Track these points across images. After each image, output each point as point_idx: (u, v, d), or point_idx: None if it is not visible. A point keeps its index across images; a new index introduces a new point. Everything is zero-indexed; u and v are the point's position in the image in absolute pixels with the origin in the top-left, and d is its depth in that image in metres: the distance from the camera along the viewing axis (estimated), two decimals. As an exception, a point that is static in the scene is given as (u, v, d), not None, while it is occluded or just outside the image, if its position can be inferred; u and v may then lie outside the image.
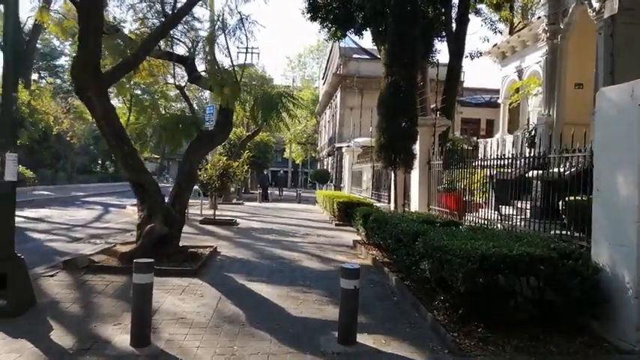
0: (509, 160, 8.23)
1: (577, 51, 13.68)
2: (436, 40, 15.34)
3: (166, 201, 8.33)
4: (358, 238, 10.48)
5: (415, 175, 11.67)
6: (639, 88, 4.39)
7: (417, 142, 10.87)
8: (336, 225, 14.45)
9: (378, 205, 15.58)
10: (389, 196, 14.45)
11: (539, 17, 15.38)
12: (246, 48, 15.31)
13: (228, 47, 10.00)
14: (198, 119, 10.45)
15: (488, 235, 5.58)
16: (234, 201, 23.86)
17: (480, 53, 18.40)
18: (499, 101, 20.13)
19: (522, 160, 7.92)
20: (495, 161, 8.49)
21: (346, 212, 13.56)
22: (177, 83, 10.10)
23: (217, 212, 15.23)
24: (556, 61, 13.93)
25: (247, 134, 25.09)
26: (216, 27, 9.83)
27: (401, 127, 10.18)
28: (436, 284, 5.15)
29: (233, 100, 9.75)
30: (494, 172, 8.81)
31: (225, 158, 14.83)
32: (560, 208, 7.39)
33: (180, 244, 8.57)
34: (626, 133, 4.50)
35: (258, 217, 16.57)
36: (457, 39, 14.67)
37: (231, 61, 9.67)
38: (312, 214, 19.21)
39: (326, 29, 15.22)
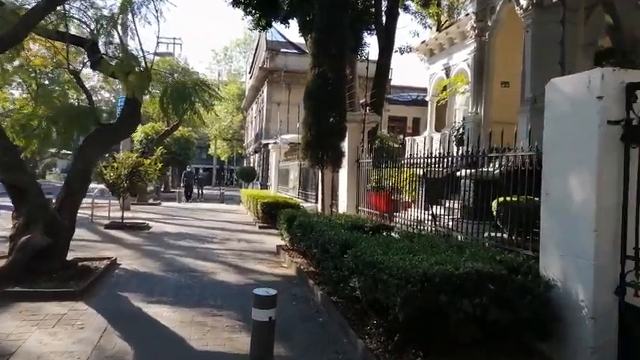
0: (442, 159, 7.67)
1: (504, 49, 13.62)
2: (365, 34, 14.76)
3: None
4: (283, 243, 9.57)
5: (344, 174, 10.95)
6: (597, 78, 3.82)
7: (346, 139, 10.13)
8: (260, 228, 13.45)
9: (306, 205, 14.76)
10: (316, 195, 13.66)
11: (467, 14, 15.25)
12: (158, 31, 13.84)
13: (135, 27, 8.73)
14: (96, 110, 9.02)
15: (426, 244, 4.87)
16: (151, 201, 22.08)
17: (410, 48, 18.12)
18: (427, 99, 20.02)
19: (457, 158, 7.35)
20: (426, 160, 7.90)
21: (271, 214, 12.62)
22: (71, 67, 8.66)
23: (129, 214, 13.72)
24: (484, 58, 13.81)
25: (166, 129, 23.35)
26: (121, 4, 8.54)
27: (329, 122, 9.38)
28: (368, 306, 4.35)
29: (140, 89, 8.50)
30: (425, 170, 8.25)
31: (135, 155, 13.33)
32: (494, 208, 6.94)
33: (73, 255, 7.24)
34: (582, 129, 3.93)
35: (175, 220, 15.17)
36: (387, 33, 14.18)
37: (140, 44, 8.43)
38: (235, 215, 18.04)
39: (249, 16, 14.14)
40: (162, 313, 5.27)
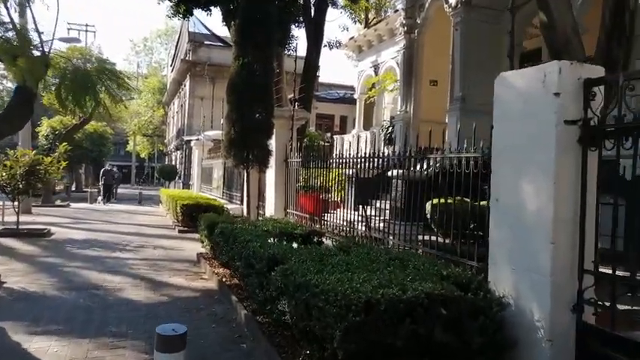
0: (376, 158, 7.20)
1: (433, 47, 13.53)
2: (293, 27, 14.09)
3: None
4: (204, 250, 8.69)
5: (271, 174, 10.24)
6: (554, 72, 3.42)
7: (274, 136, 9.43)
8: (179, 232, 12.40)
9: (230, 207, 13.88)
10: (242, 196, 12.83)
11: (396, 11, 15.06)
12: (57, 11, 12.33)
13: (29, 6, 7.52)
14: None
15: (364, 258, 4.31)
16: (59, 202, 20.04)
17: (339, 43, 17.71)
18: (355, 97, 19.77)
19: (393, 158, 6.90)
20: (359, 159, 7.40)
21: (192, 216, 11.63)
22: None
23: (28, 219, 12.13)
24: (413, 56, 13.65)
25: (75, 123, 21.33)
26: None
27: (255, 118, 8.64)
28: (301, 334, 3.70)
29: (34, 76, 7.32)
30: (356, 170, 7.77)
31: (33, 152, 11.75)
32: (427, 210, 6.58)
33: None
34: (537, 129, 3.52)
35: (83, 224, 13.66)
36: (316, 26, 13.61)
37: (36, 26, 7.26)
38: (153, 217, 16.72)
39: (168, 0, 12.98)
40: (48, 349, 4.29)
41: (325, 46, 16.79)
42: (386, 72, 16.13)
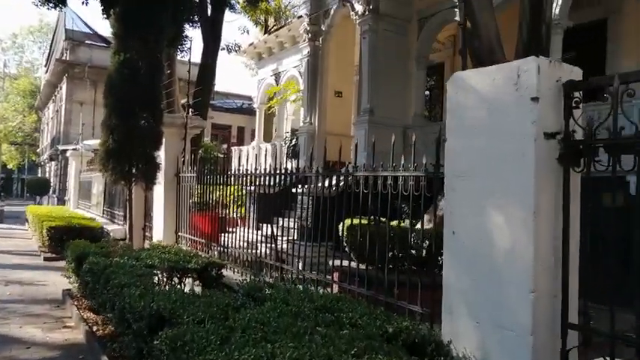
0: (284, 174, 6.21)
1: (338, 56, 12.95)
2: (187, 26, 12.68)
3: None
4: (73, 286, 7.01)
5: (160, 191, 8.78)
6: (531, 72, 2.68)
7: (163, 147, 8.04)
8: (45, 260, 10.31)
9: (112, 228, 12.05)
10: (125, 216, 11.08)
11: (299, 17, 14.31)
12: None
13: None
14: None
15: (283, 310, 3.24)
16: None
17: (239, 46, 16.55)
18: (255, 106, 18.70)
19: (306, 173, 5.95)
20: (268, 174, 6.36)
21: (62, 240, 9.69)
22: None
23: None
24: (317, 65, 12.95)
25: None
26: None
27: (140, 125, 7.21)
28: None
29: None
30: (258, 185, 6.72)
31: None
32: (341, 232, 5.74)
33: None
34: (510, 144, 2.75)
35: None
36: (213, 27, 12.36)
37: None
38: (15, 241, 14.09)
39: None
40: None
41: (223, 49, 15.55)
42: (288, 81, 15.28)
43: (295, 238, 6.53)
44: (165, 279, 5.10)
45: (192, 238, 8.01)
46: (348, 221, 5.47)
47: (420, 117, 11.06)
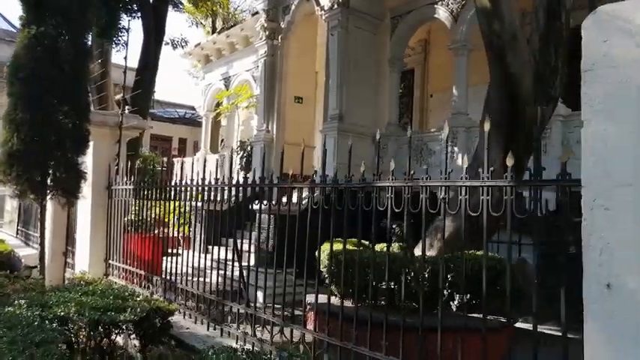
0: (248, 185, 4.75)
1: (299, 58, 11.62)
2: (125, 16, 10.89)
3: None
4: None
5: (85, 206, 6.97)
6: None
7: (90, 151, 6.29)
8: None
9: (26, 253, 9.89)
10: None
11: (255, 13, 12.91)
12: None
13: None
14: None
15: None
16: None
17: (186, 41, 14.80)
18: (201, 114, 16.94)
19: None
20: (234, 185, 4.86)
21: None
22: None
23: None
24: (275, 66, 11.56)
25: None
26: None
27: (58, 121, 5.47)
28: None
29: None
30: (208, 201, 5.20)
31: None
32: (319, 259, 4.34)
33: None
34: None
35: None
36: (156, 14, 10.69)
37: None
38: None
39: None
40: None
41: (167, 43, 13.80)
42: (240, 85, 13.75)
43: (252, 263, 5.16)
44: (85, 338, 3.43)
45: (128, 268, 6.27)
46: (326, 246, 4.13)
47: (395, 126, 9.90)
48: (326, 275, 4.36)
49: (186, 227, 7.53)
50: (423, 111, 11.66)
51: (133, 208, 6.70)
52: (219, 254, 5.12)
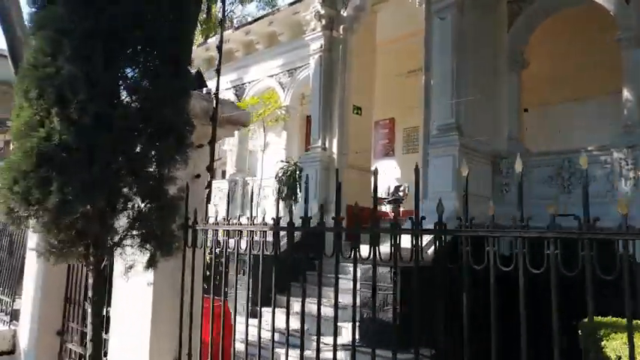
0: None
1: (360, 56, 9.10)
2: None
3: None
4: None
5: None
6: None
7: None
8: None
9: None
10: (12, 308, 5.65)
11: (292, 2, 10.28)
12: None
13: None
14: None
15: None
16: None
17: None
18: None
19: None
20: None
21: None
22: None
23: None
24: (333, 66, 8.94)
25: None
26: None
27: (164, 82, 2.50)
28: None
29: None
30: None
31: None
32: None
33: None
34: None
35: None
36: None
37: None
38: None
39: None
40: None
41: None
42: (267, 93, 10.92)
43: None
44: None
45: None
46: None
47: (516, 141, 7.51)
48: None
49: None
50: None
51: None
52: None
